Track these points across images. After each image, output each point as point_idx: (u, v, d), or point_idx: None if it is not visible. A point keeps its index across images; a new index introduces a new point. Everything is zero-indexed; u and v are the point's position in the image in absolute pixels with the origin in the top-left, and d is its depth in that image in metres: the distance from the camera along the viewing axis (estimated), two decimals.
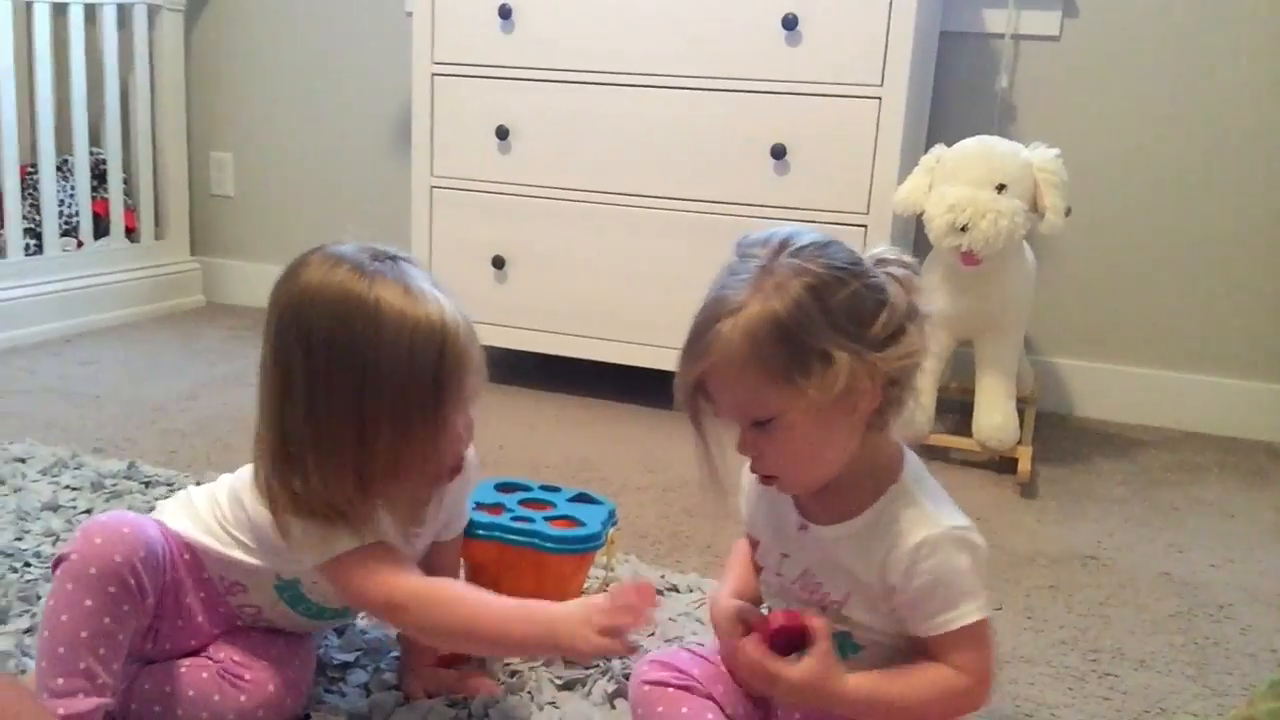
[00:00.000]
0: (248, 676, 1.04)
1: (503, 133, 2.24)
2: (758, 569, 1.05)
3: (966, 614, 0.90)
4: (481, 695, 1.12)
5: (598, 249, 2.22)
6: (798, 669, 0.91)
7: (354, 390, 0.92)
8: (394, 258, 0.98)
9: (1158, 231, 2.35)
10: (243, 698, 1.03)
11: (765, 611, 1.01)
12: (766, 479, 0.95)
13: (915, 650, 0.93)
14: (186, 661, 1.05)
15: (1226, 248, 2.31)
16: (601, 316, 2.24)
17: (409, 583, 0.98)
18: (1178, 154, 2.31)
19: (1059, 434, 2.30)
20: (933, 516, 0.91)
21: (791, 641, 0.93)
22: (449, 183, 2.32)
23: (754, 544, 1.06)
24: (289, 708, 1.06)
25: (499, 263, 2.29)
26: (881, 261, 0.92)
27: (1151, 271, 2.37)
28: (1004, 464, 2.01)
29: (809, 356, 0.86)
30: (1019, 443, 1.98)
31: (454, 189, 2.32)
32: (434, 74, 2.28)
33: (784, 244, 0.90)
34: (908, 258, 0.93)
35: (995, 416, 1.95)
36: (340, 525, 0.97)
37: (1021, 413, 2.08)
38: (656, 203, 2.17)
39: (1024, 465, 1.95)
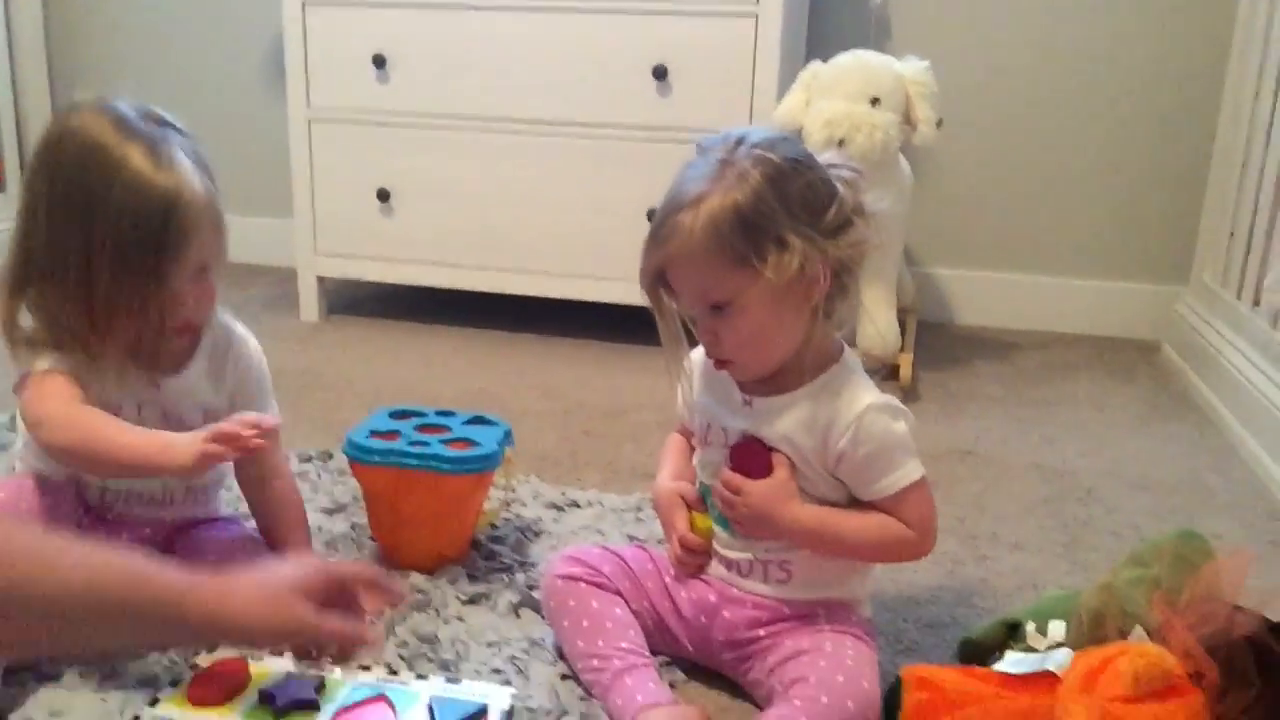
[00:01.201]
0: None
1: (380, 61, 2.20)
2: (693, 452, 1.11)
3: (909, 473, 0.99)
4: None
5: (484, 177, 2.21)
6: (761, 484, 0.99)
7: (82, 232, 1.00)
8: (166, 124, 1.05)
9: (1029, 141, 2.44)
10: None
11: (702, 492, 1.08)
12: (721, 364, 1.01)
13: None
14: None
15: (1094, 155, 2.41)
16: (491, 246, 2.24)
17: (60, 406, 1.03)
18: (1047, 65, 2.39)
19: (939, 341, 2.39)
20: (872, 390, 1.01)
21: (752, 472, 1.01)
22: (327, 114, 2.27)
23: (690, 435, 1.12)
24: None
25: (384, 195, 2.25)
26: (831, 166, 0.99)
27: (1025, 180, 2.46)
28: (887, 371, 2.09)
29: (766, 241, 0.93)
30: (900, 350, 2.06)
31: (332, 121, 2.27)
32: (304, 3, 2.22)
33: (741, 139, 0.97)
34: (855, 165, 1.01)
35: (877, 325, 2.02)
36: (51, 352, 1.04)
37: (903, 323, 2.16)
38: (540, 128, 2.16)
39: (905, 371, 2.03)
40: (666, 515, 1.09)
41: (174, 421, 1.12)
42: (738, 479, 1.01)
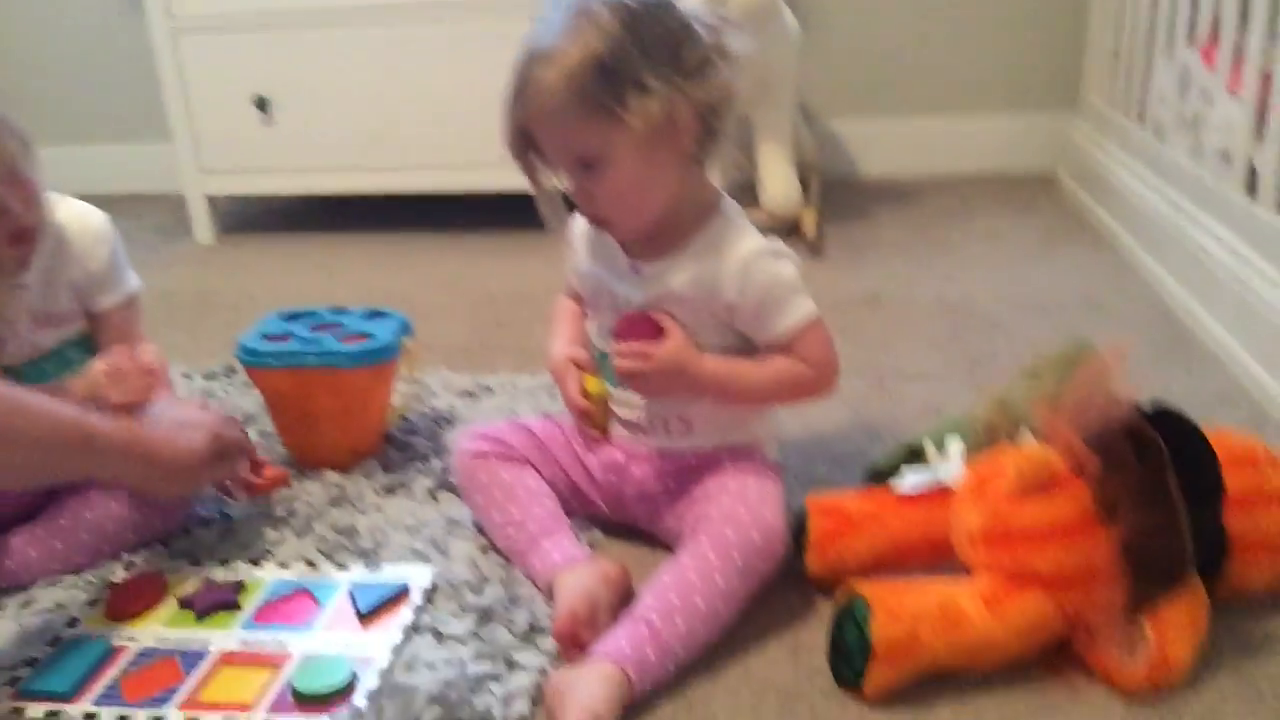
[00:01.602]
0: None
1: None
2: (584, 319, 1.11)
3: (802, 311, 1.00)
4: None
5: (365, 74, 2.13)
6: (667, 345, 0.99)
7: None
8: None
9: None
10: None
11: (596, 357, 1.08)
12: (599, 223, 1.01)
13: None
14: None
15: None
16: (381, 145, 2.18)
17: None
18: None
19: (843, 194, 2.40)
20: (754, 237, 1.00)
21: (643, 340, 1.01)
22: (191, 24, 2.16)
23: (580, 299, 1.12)
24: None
25: (262, 104, 2.17)
26: (696, 19, 0.96)
27: (909, 21, 2.45)
28: (792, 229, 2.09)
29: (626, 88, 0.91)
30: (804, 206, 2.07)
31: (199, 30, 2.17)
32: None
33: None
34: (719, 10, 0.98)
35: (778, 184, 2.02)
36: None
37: (807, 180, 2.16)
38: (417, 14, 2.08)
39: (809, 227, 2.04)
40: (560, 382, 1.09)
41: (5, 325, 1.10)
42: (641, 344, 1.00)
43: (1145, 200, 1.84)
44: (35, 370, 1.13)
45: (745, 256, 0.99)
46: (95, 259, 1.15)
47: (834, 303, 1.74)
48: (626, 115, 0.91)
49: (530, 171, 1.00)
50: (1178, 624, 0.85)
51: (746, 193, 2.15)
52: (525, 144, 0.98)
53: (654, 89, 0.91)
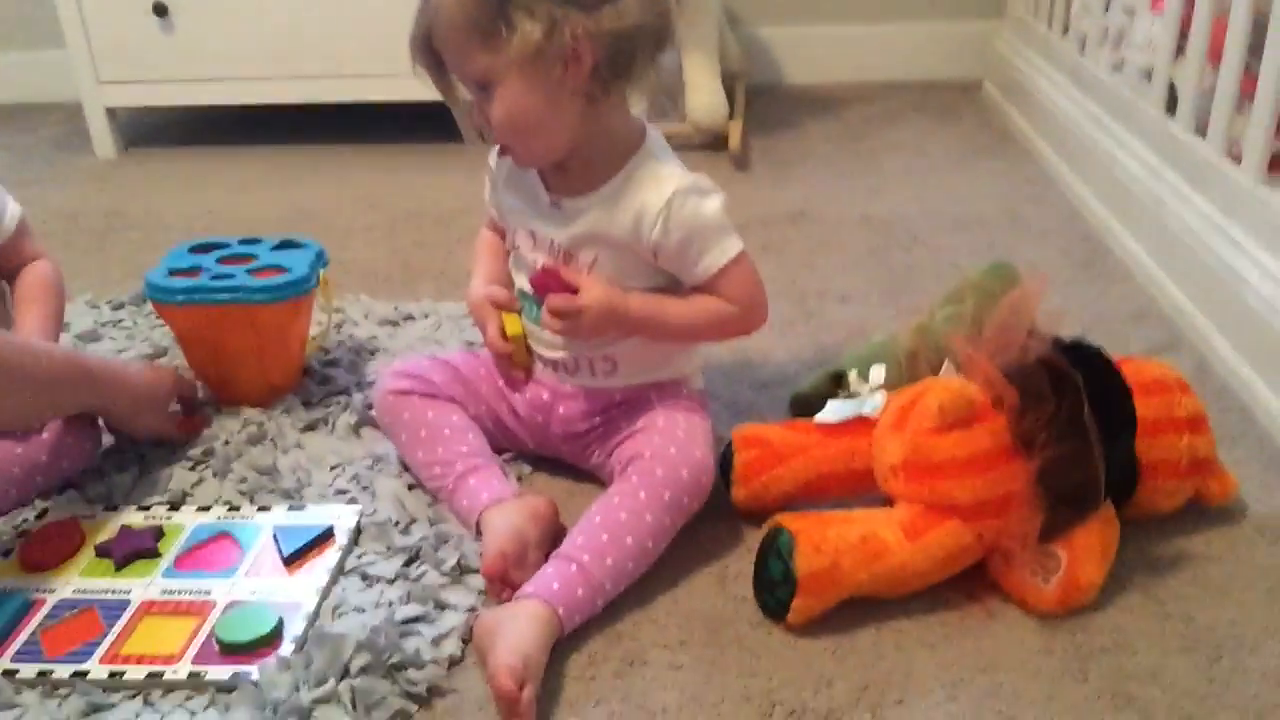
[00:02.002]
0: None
1: None
2: (507, 254, 1.09)
3: (727, 250, 0.98)
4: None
5: None
6: (592, 292, 0.97)
7: None
8: None
9: None
10: (46, 434, 1.07)
11: (518, 295, 1.06)
12: (503, 150, 0.99)
13: None
14: None
15: None
16: (289, 52, 2.08)
17: None
18: None
19: (769, 104, 2.37)
20: (677, 174, 0.97)
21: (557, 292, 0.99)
22: None
23: (502, 233, 1.10)
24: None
25: (160, 10, 2.05)
26: None
27: None
28: (718, 142, 2.07)
29: (512, 10, 0.88)
30: (729, 118, 2.04)
31: None
32: None
33: None
34: None
35: (702, 96, 1.98)
36: None
37: (732, 89, 2.13)
38: None
39: (734, 140, 2.02)
40: (480, 323, 1.07)
41: None
42: (566, 298, 0.97)
43: (1066, 113, 1.85)
44: None
45: (668, 194, 0.96)
46: None
47: (759, 219, 1.73)
48: (509, 38, 0.89)
49: (442, 87, 0.98)
50: (1089, 548, 0.88)
51: (671, 104, 2.12)
52: (431, 58, 0.96)
53: (538, 14, 0.88)
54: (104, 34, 2.10)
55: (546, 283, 0.99)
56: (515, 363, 1.06)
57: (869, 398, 0.99)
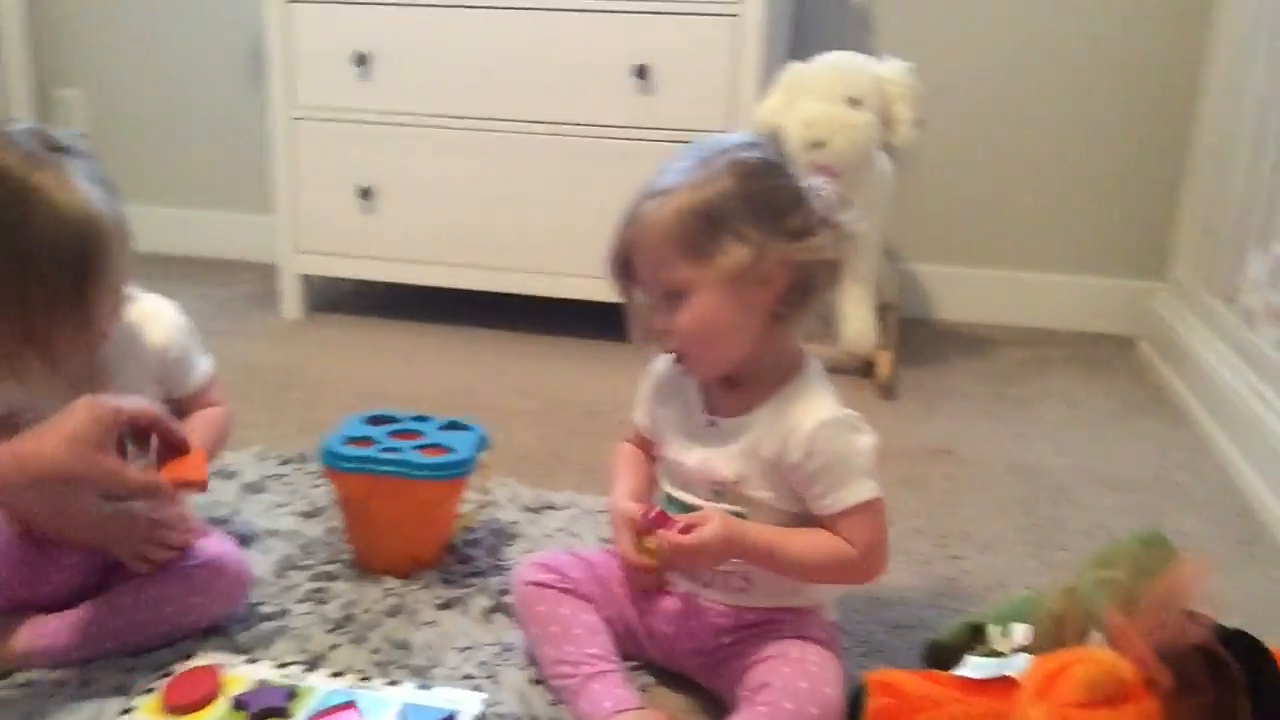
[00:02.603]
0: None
1: (361, 60, 2.20)
2: (651, 466, 1.13)
3: (860, 491, 0.99)
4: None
5: (465, 176, 2.21)
6: (708, 529, 0.98)
7: (5, 265, 0.98)
8: (64, 148, 1.04)
9: (1009, 137, 2.45)
10: (202, 575, 1.12)
11: (664, 501, 1.08)
12: (677, 358, 1.03)
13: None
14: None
15: (1072, 151, 2.43)
16: (472, 244, 2.24)
17: None
18: (1025, 62, 2.40)
19: (920, 337, 2.41)
20: (833, 404, 1.01)
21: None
22: (309, 113, 2.27)
23: (648, 444, 1.13)
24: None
25: (366, 194, 2.26)
26: (814, 186, 1.01)
27: (1004, 177, 2.48)
28: (867, 368, 2.10)
29: (723, 234, 0.96)
30: (879, 347, 2.08)
31: (315, 120, 2.27)
32: (286, 0, 2.22)
33: (731, 147, 1.00)
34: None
35: (856, 323, 2.03)
36: None
37: (884, 319, 2.17)
38: (521, 126, 2.16)
39: (883, 368, 2.05)
40: (616, 535, 1.08)
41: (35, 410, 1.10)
42: (688, 538, 0.98)
43: (1227, 382, 1.81)
44: None
45: (819, 420, 0.99)
46: (173, 348, 1.18)
47: (903, 451, 1.74)
48: (716, 258, 0.96)
49: (625, 295, 1.05)
50: None
51: (824, 328, 2.18)
52: (624, 267, 1.03)
53: (747, 239, 0.96)
54: (310, 207, 2.31)
55: (662, 521, 1.01)
56: (648, 579, 1.08)
57: (1014, 657, 0.96)
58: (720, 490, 1.03)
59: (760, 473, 1.02)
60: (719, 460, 1.03)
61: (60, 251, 0.99)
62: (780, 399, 1.02)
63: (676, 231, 0.97)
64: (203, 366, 1.23)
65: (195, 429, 1.14)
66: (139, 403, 1.01)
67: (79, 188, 1.01)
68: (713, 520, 0.99)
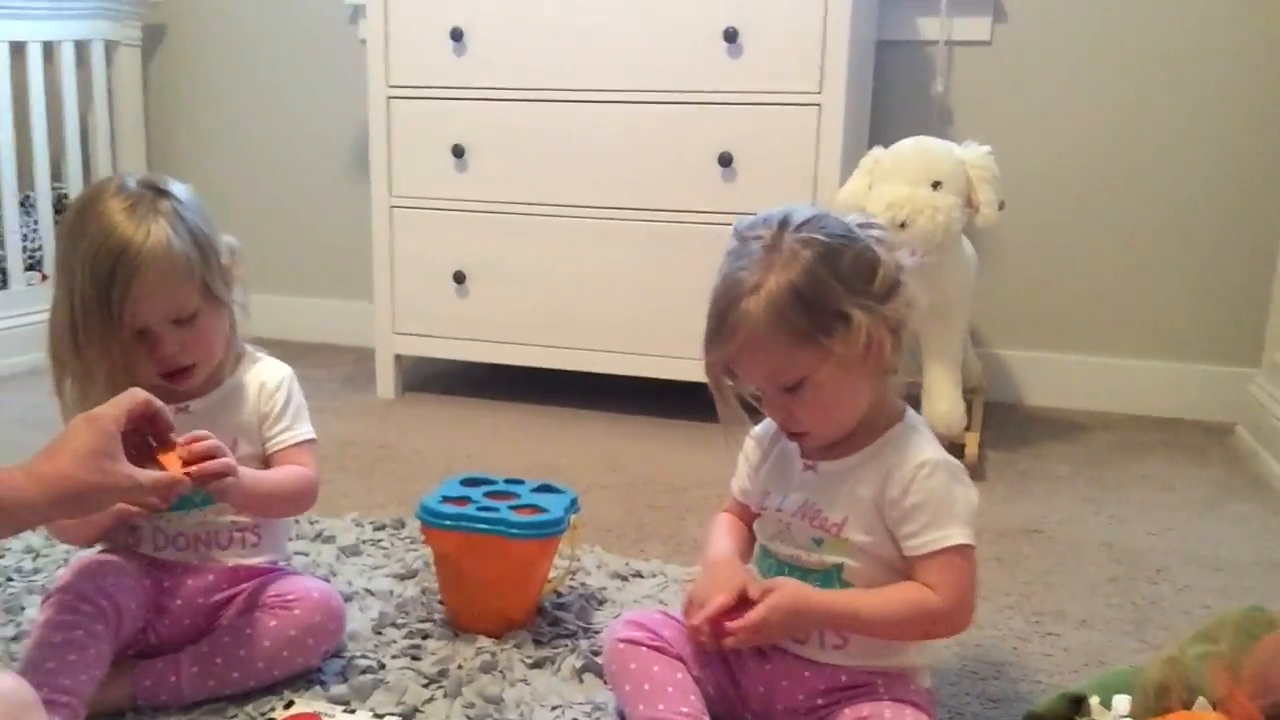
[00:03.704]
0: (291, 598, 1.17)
1: (459, 151, 2.31)
2: (749, 542, 1.13)
3: (952, 536, 0.99)
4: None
5: (555, 260, 2.29)
6: (770, 601, 0.98)
7: (65, 279, 1.11)
8: (163, 191, 1.14)
9: (1093, 222, 2.45)
10: (297, 611, 1.16)
11: (760, 556, 1.09)
12: (795, 436, 1.04)
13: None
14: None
15: (1162, 235, 2.41)
16: (561, 326, 2.31)
17: None
18: (1111, 146, 2.41)
19: (1007, 421, 2.39)
20: (937, 448, 1.02)
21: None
22: (408, 202, 2.38)
23: (747, 512, 1.14)
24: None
25: (460, 278, 2.35)
26: (863, 225, 1.02)
27: (1090, 262, 2.47)
28: (954, 450, 2.07)
29: (829, 318, 0.96)
30: (967, 429, 2.06)
31: (413, 208, 2.38)
32: (389, 97, 2.34)
33: (784, 222, 1.00)
34: (880, 221, 1.05)
35: (942, 403, 2.03)
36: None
37: (970, 403, 2.16)
38: (609, 213, 2.24)
39: (971, 449, 2.03)
40: (714, 584, 1.03)
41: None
42: (749, 618, 0.98)
43: None
44: (184, 500, 1.13)
45: (923, 459, 1.00)
46: (272, 402, 1.23)
47: (993, 529, 1.72)
48: (831, 344, 0.96)
49: (719, 391, 1.05)
50: None
51: (910, 405, 2.17)
52: (724, 373, 1.03)
53: (856, 318, 0.96)
54: (406, 290, 2.41)
55: (727, 614, 1.00)
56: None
57: None
58: (820, 538, 1.04)
59: (859, 513, 1.02)
60: (821, 501, 1.04)
61: (95, 263, 1.09)
62: (884, 440, 1.03)
63: (781, 327, 0.96)
64: (302, 430, 1.25)
65: (270, 474, 1.19)
66: (129, 398, 1.00)
67: (145, 215, 1.10)
68: (781, 588, 0.99)
